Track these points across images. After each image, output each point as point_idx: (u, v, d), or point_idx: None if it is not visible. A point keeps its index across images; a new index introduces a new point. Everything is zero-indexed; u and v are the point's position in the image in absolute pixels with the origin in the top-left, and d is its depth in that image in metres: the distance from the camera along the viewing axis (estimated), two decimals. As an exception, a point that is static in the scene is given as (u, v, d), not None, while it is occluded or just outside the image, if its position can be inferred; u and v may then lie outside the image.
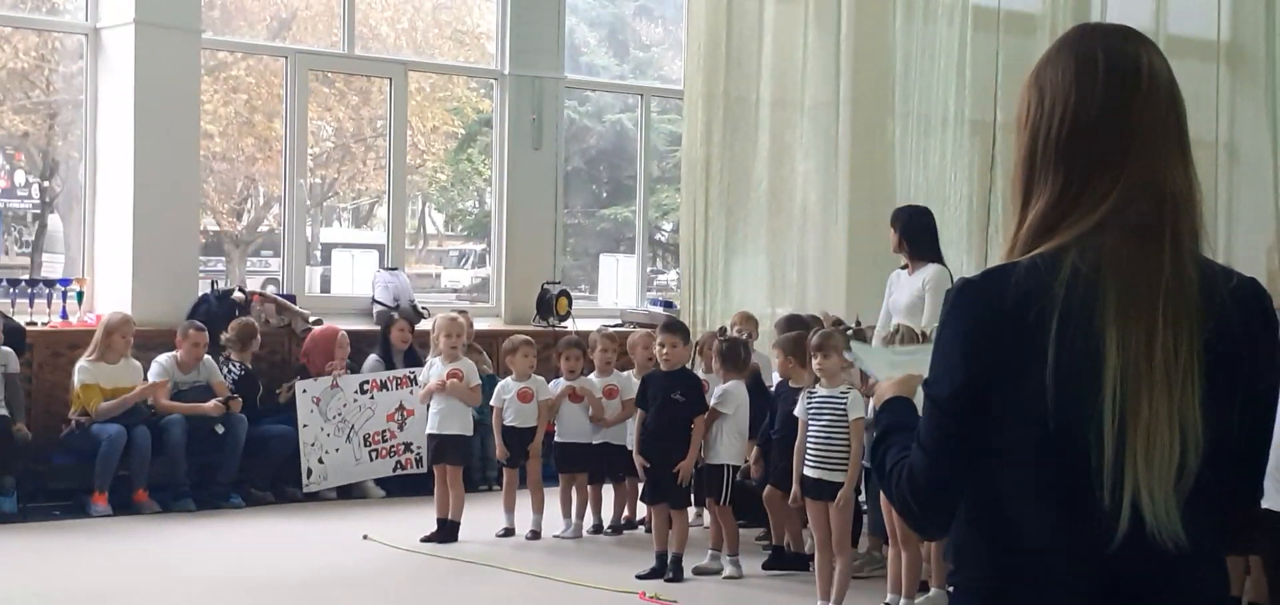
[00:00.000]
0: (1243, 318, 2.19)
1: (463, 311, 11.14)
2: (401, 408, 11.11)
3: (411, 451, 11.08)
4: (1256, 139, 15.48)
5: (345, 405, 11.07)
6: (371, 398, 11.17)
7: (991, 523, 2.21)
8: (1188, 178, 2.22)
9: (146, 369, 10.64)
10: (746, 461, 8.75)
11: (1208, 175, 13.05)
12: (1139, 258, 2.14)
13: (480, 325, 12.19)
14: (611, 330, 11.17)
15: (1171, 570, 2.13)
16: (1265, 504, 4.11)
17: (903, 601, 7.57)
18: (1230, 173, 15.49)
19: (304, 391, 11.01)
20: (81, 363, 10.38)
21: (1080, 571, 2.14)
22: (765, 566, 8.72)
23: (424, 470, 10.55)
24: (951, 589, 2.35)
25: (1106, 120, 2.21)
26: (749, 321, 10.62)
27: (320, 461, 11.00)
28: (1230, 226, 14.97)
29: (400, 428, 11.14)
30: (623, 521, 10.05)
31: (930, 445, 2.24)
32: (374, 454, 11.15)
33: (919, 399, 2.40)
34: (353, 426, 11.08)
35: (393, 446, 11.16)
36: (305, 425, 10.95)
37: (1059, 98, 2.24)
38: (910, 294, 9.52)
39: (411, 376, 11.08)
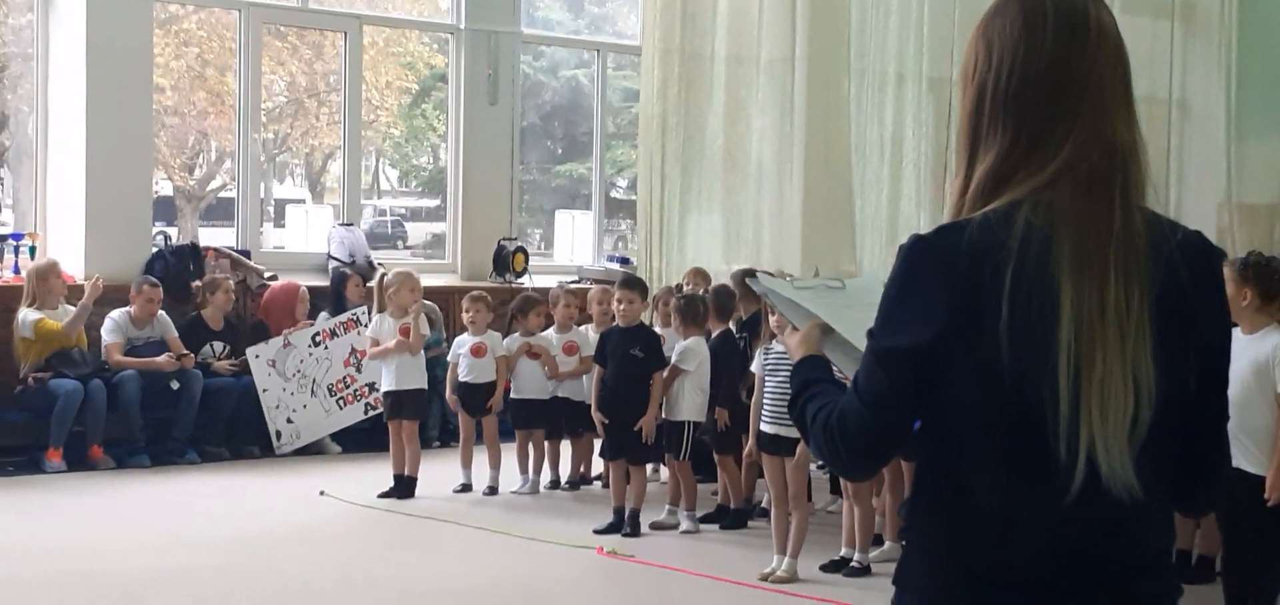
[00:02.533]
0: (1190, 270, 2.21)
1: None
2: (354, 351, 11.07)
3: (376, 390, 10.87)
4: (1208, 96, 15.55)
5: (302, 360, 11.03)
6: (325, 348, 11.13)
7: (944, 479, 2.23)
8: (1133, 132, 2.22)
9: (100, 324, 10.58)
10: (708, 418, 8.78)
11: (1160, 132, 13.10)
12: (1090, 211, 2.15)
13: (437, 282, 12.16)
14: (572, 286, 11.18)
15: (1123, 522, 2.16)
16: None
17: (857, 555, 7.65)
18: (1182, 129, 15.57)
19: (257, 357, 10.96)
20: (23, 313, 10.29)
21: (1035, 525, 2.15)
22: (704, 520, 8.79)
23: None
24: (904, 544, 2.36)
25: (1056, 73, 2.20)
26: (701, 277, 10.65)
27: (289, 421, 10.97)
28: (1181, 183, 15.06)
29: (358, 370, 11.09)
30: (579, 476, 10.08)
31: (871, 398, 2.22)
32: (341, 403, 11.12)
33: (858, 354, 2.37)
34: (315, 380, 11.05)
35: (357, 390, 11.13)
36: (265, 390, 10.91)
37: (1008, 50, 2.22)
38: None
39: (355, 317, 11.07)
